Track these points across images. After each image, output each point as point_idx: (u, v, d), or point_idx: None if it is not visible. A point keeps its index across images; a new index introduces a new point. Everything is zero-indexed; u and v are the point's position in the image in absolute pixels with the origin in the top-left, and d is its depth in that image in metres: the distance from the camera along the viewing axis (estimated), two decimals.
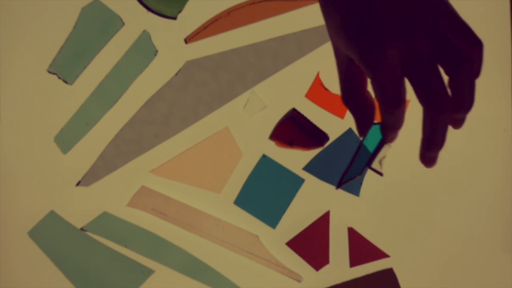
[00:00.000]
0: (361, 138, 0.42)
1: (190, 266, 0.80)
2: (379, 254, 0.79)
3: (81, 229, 0.80)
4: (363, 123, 0.42)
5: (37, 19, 0.81)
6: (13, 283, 0.81)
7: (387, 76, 0.38)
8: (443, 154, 0.81)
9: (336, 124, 0.80)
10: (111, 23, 0.81)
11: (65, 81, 0.81)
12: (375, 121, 0.42)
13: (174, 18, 0.81)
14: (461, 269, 0.80)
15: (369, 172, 0.81)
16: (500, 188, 0.80)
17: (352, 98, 0.41)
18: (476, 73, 0.41)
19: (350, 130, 0.80)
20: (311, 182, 0.80)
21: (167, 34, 0.80)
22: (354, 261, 0.80)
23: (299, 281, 0.80)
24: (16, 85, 0.81)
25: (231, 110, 0.80)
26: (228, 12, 0.80)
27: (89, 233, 0.80)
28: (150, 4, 0.81)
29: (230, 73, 0.80)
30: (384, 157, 0.43)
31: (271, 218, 0.80)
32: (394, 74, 0.38)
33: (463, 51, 0.38)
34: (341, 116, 0.80)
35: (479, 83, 0.81)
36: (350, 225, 0.79)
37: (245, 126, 0.80)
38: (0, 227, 0.80)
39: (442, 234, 0.80)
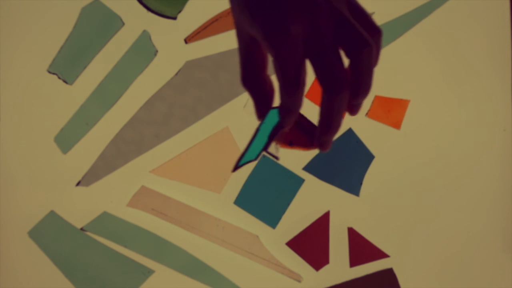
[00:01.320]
0: (258, 121, 0.42)
1: (190, 266, 0.80)
2: (379, 254, 0.79)
3: (81, 229, 0.80)
4: (261, 106, 0.42)
5: (37, 19, 0.81)
6: (13, 283, 0.81)
7: (288, 54, 0.38)
8: (444, 154, 0.81)
9: None
10: (111, 23, 0.81)
11: (65, 81, 0.81)
12: (274, 106, 0.42)
13: (174, 18, 0.81)
14: (461, 269, 0.80)
15: (369, 172, 0.81)
16: (500, 188, 0.80)
17: (252, 80, 0.41)
18: (374, 60, 0.41)
19: (350, 130, 0.80)
20: (311, 182, 0.80)
21: (167, 34, 0.80)
22: (354, 261, 0.80)
23: (299, 281, 0.80)
24: (16, 85, 0.81)
25: (231, 110, 0.80)
26: (228, 12, 0.80)
27: (89, 233, 0.80)
28: (150, 4, 0.81)
29: (230, 73, 0.80)
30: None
31: (271, 218, 0.80)
32: (296, 53, 0.38)
33: (363, 35, 0.39)
34: None
35: (480, 83, 0.82)
36: (350, 225, 0.80)
37: (245, 126, 0.80)
38: (0, 227, 0.80)
39: (442, 234, 0.80)
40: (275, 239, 0.80)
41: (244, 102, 0.80)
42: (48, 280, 0.81)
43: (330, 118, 0.40)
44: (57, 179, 0.80)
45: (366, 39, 0.39)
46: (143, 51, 0.81)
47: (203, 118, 0.81)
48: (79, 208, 0.80)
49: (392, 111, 0.81)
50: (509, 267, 0.79)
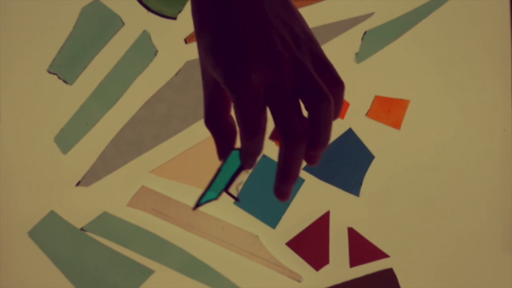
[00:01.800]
0: (220, 162, 0.43)
1: (190, 266, 0.80)
2: (379, 254, 0.79)
3: (81, 229, 0.80)
4: (223, 147, 0.43)
5: (37, 19, 0.81)
6: (13, 283, 0.81)
7: (249, 102, 0.38)
8: (444, 154, 0.81)
9: (336, 124, 0.80)
10: (111, 23, 0.81)
11: (65, 81, 0.81)
12: (236, 147, 0.43)
13: (174, 18, 0.81)
14: (461, 269, 0.80)
15: (369, 172, 0.81)
16: (500, 188, 0.80)
17: (214, 121, 0.42)
18: (335, 114, 0.42)
19: (350, 130, 0.80)
20: (311, 182, 0.80)
21: (167, 34, 0.80)
22: (354, 261, 0.80)
23: (299, 281, 0.80)
24: (16, 85, 0.81)
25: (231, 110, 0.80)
26: None
27: (89, 233, 0.80)
28: (150, 4, 0.81)
29: None
30: (241, 183, 0.44)
31: (271, 218, 0.80)
32: (256, 101, 0.39)
33: (323, 89, 0.39)
34: (341, 116, 0.80)
35: (480, 83, 0.82)
36: (350, 225, 0.80)
37: None
38: (0, 227, 0.80)
39: (442, 234, 0.80)
40: (275, 239, 0.80)
41: None
42: (48, 280, 0.81)
43: (286, 168, 0.40)
44: (57, 179, 0.80)
45: (325, 93, 0.39)
46: (143, 51, 0.81)
47: (203, 118, 0.81)
48: (79, 208, 0.80)
49: (392, 111, 0.81)
50: (509, 267, 0.79)
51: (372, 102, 0.80)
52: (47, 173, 0.80)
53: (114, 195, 0.81)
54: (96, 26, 0.81)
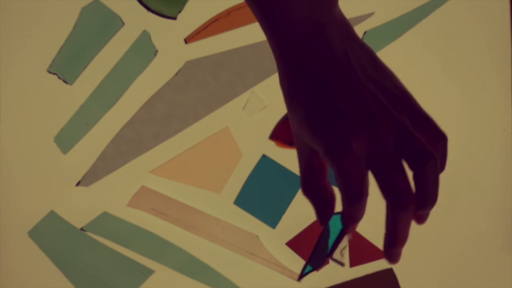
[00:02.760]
0: (321, 227, 0.43)
1: (190, 266, 0.80)
2: (379, 254, 0.79)
3: (81, 229, 0.80)
4: (324, 214, 0.42)
5: (37, 19, 0.81)
6: (13, 283, 0.81)
7: (351, 170, 0.38)
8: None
9: None
10: (111, 23, 0.81)
11: (65, 81, 0.81)
12: (336, 212, 0.42)
13: (174, 18, 0.81)
14: (461, 269, 0.80)
15: (369, 172, 0.81)
16: (500, 188, 0.80)
17: (312, 188, 0.41)
18: (441, 168, 0.41)
19: None
20: None
21: (167, 34, 0.80)
22: (354, 261, 0.80)
23: (299, 281, 0.80)
24: (16, 85, 0.81)
25: (231, 110, 0.80)
26: (228, 12, 0.80)
27: (89, 233, 0.80)
28: (150, 4, 0.81)
29: (230, 73, 0.80)
30: (345, 248, 0.44)
31: (271, 218, 0.80)
32: (358, 168, 0.38)
33: (427, 147, 0.38)
34: None
35: (480, 83, 0.82)
36: None
37: (245, 126, 0.80)
38: (0, 227, 0.80)
39: (442, 234, 0.80)
40: (275, 239, 0.80)
41: (244, 102, 0.80)
42: (48, 280, 0.81)
43: (396, 231, 0.39)
44: (57, 179, 0.80)
45: (430, 151, 0.38)
46: (143, 51, 0.81)
47: (203, 118, 0.81)
48: (79, 208, 0.80)
49: None
50: (509, 267, 0.79)
51: None
52: (47, 173, 0.80)
53: (114, 195, 0.81)
54: (96, 26, 0.81)
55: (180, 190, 0.80)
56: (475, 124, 0.81)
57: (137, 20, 0.80)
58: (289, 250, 0.80)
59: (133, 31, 0.81)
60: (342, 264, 0.43)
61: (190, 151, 0.80)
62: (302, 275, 0.43)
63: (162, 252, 0.80)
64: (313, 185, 0.41)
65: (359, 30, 0.82)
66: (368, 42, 0.82)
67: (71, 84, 0.81)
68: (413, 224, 0.81)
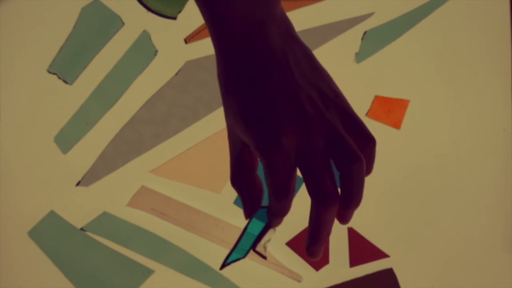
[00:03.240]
0: (246, 220, 0.44)
1: (190, 266, 0.80)
2: (379, 254, 0.79)
3: (81, 229, 0.80)
4: (250, 206, 0.43)
5: (37, 19, 0.81)
6: (13, 283, 0.81)
7: (280, 165, 0.38)
8: (443, 154, 0.81)
9: None
10: (111, 23, 0.81)
11: (65, 81, 0.81)
12: (262, 205, 0.43)
13: (174, 18, 0.81)
14: (461, 269, 0.80)
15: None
16: (500, 188, 0.80)
17: (241, 181, 0.42)
18: (368, 170, 0.42)
19: None
20: None
21: (167, 34, 0.80)
22: (354, 261, 0.80)
23: (299, 281, 0.80)
24: (16, 85, 0.81)
25: None
26: None
27: (89, 233, 0.80)
28: (150, 4, 0.81)
29: None
30: (268, 241, 0.44)
31: None
32: (286, 164, 0.38)
33: (355, 150, 0.39)
34: None
35: (480, 83, 0.82)
36: (350, 225, 0.80)
37: None
38: (0, 227, 0.80)
39: (442, 234, 0.80)
40: (275, 239, 0.80)
41: None
42: (48, 280, 0.81)
43: (318, 229, 0.40)
44: (57, 179, 0.80)
45: (357, 154, 0.39)
46: (143, 51, 0.81)
47: (203, 118, 0.81)
48: (79, 208, 0.80)
49: (392, 111, 0.81)
50: (509, 267, 0.79)
51: (372, 102, 0.80)
52: (47, 173, 0.80)
53: (114, 195, 0.81)
54: (96, 26, 0.81)
55: (180, 190, 0.80)
56: (475, 124, 0.81)
57: (137, 20, 0.80)
58: (289, 250, 0.80)
59: (133, 31, 0.81)
60: (264, 257, 0.43)
61: (190, 151, 0.80)
62: (224, 264, 0.44)
63: (162, 252, 0.80)
64: (242, 178, 0.41)
65: (359, 30, 0.82)
66: (368, 42, 0.82)
67: (71, 84, 0.81)
68: (413, 224, 0.81)
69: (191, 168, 0.80)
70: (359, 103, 0.80)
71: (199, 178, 0.80)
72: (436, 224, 0.80)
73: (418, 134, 0.80)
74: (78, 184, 0.81)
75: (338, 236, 0.80)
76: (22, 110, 0.81)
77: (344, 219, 0.41)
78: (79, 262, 0.81)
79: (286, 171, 0.38)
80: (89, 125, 0.81)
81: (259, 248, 0.43)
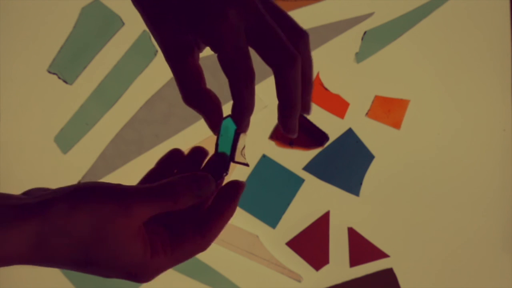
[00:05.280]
0: (215, 135, 0.41)
1: (190, 266, 0.80)
2: (379, 254, 0.79)
3: None
4: (214, 118, 0.41)
5: (37, 19, 0.81)
6: (13, 283, 0.81)
7: (235, 45, 0.37)
8: (443, 154, 0.81)
9: (336, 124, 0.80)
10: (111, 23, 0.81)
11: (65, 81, 0.81)
12: (224, 115, 0.41)
13: None
14: (461, 269, 0.80)
15: (369, 172, 0.81)
16: (500, 188, 0.80)
17: (195, 96, 0.40)
18: (309, 67, 0.40)
19: (350, 130, 0.80)
20: (311, 182, 0.80)
21: None
22: (354, 261, 0.80)
23: (299, 281, 0.80)
24: (16, 85, 0.81)
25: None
26: None
27: None
28: None
29: None
30: (244, 147, 0.42)
31: (271, 218, 0.80)
32: (239, 41, 0.38)
33: (290, 49, 0.38)
34: (341, 116, 0.80)
35: (480, 83, 0.82)
36: (350, 225, 0.79)
37: None
38: None
39: (442, 234, 0.80)
40: (275, 239, 0.80)
41: None
42: (48, 280, 0.80)
43: (291, 93, 0.39)
44: (57, 179, 0.80)
45: (292, 54, 0.38)
46: (143, 51, 0.81)
47: (203, 118, 0.81)
48: None
49: (392, 111, 0.81)
50: (509, 267, 0.79)
51: (372, 102, 0.80)
52: (47, 173, 0.80)
53: None
54: (96, 26, 0.81)
55: None
56: (475, 124, 0.81)
57: (137, 20, 0.80)
58: (289, 250, 0.80)
59: (133, 31, 0.81)
60: (246, 165, 0.42)
61: None
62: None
63: None
64: (194, 91, 0.40)
65: (359, 30, 0.82)
66: (368, 42, 0.82)
67: (71, 84, 0.81)
68: (413, 224, 0.81)
69: None
70: (359, 103, 0.80)
71: None
72: (436, 224, 0.80)
73: (418, 134, 0.80)
74: None
75: (338, 236, 0.80)
76: (22, 110, 0.81)
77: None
78: None
79: (244, 51, 0.37)
80: (89, 125, 0.81)
81: (237, 158, 0.41)
